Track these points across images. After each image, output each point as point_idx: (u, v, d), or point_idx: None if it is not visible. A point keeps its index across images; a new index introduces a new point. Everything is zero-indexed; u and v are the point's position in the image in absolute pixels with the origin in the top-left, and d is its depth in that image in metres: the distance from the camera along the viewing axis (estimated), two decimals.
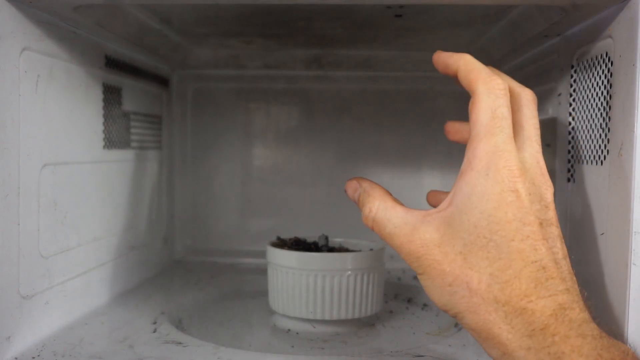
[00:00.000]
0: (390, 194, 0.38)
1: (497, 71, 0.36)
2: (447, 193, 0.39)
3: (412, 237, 0.34)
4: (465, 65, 0.35)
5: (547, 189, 0.34)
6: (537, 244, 0.32)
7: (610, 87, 0.40)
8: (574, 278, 0.33)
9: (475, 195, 0.32)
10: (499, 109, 0.33)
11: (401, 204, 0.37)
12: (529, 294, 0.31)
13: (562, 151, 0.50)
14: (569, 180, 0.48)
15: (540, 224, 0.32)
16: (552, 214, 0.33)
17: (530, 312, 0.30)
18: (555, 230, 0.33)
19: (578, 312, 0.31)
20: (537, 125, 0.35)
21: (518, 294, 0.31)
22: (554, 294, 0.31)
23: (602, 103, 0.42)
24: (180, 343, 0.47)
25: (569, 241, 0.46)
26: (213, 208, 0.85)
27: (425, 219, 0.34)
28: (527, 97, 0.36)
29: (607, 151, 0.40)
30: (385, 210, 0.36)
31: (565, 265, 0.33)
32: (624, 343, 0.36)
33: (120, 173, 0.64)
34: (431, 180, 0.82)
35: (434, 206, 0.41)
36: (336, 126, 0.83)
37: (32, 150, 0.45)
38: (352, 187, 0.39)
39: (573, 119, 0.48)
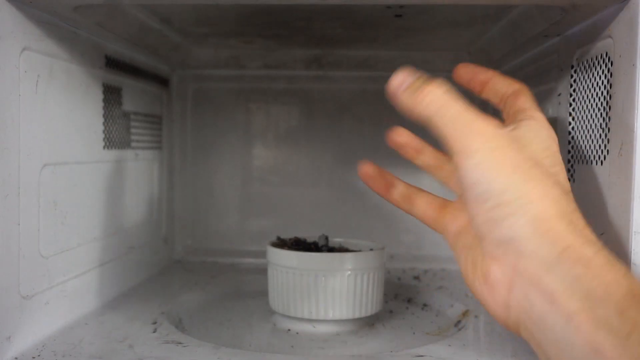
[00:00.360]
0: None
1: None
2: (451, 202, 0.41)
3: (484, 120, 0.33)
4: (502, 77, 0.41)
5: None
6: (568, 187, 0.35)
7: (610, 87, 0.40)
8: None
9: (540, 135, 0.35)
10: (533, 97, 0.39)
11: None
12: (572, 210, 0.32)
13: (562, 151, 0.50)
14: (568, 180, 0.48)
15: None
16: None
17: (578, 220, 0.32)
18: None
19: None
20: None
21: (572, 209, 0.32)
22: (575, 210, 0.33)
23: (602, 103, 0.42)
24: (180, 343, 0.47)
25: None
26: (213, 208, 0.85)
27: (490, 119, 0.34)
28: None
29: (607, 151, 0.40)
30: (452, 94, 0.35)
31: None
32: None
33: (120, 173, 0.64)
34: (431, 180, 0.82)
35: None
36: (336, 126, 0.83)
37: (32, 150, 0.45)
38: (405, 73, 0.36)
39: (573, 119, 0.48)
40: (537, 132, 0.36)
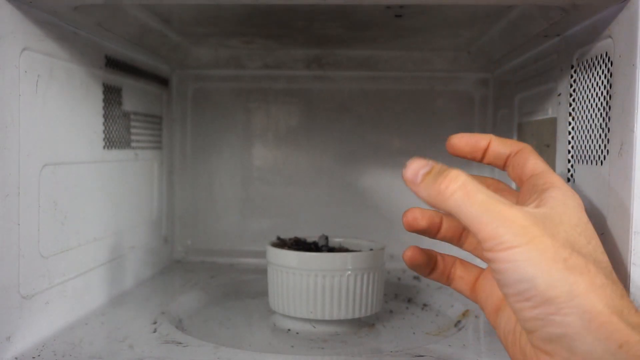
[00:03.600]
0: None
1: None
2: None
3: (512, 208, 0.31)
4: (497, 138, 0.38)
5: None
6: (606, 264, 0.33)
7: (610, 87, 0.40)
8: None
9: (570, 205, 0.33)
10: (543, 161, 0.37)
11: None
12: (622, 298, 0.30)
13: (562, 151, 0.50)
14: (569, 180, 0.48)
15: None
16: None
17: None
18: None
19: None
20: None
21: (617, 295, 0.30)
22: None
23: (601, 103, 0.42)
24: (180, 343, 0.47)
25: None
26: (213, 208, 0.85)
27: (517, 204, 0.32)
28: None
29: (607, 151, 0.40)
30: (474, 182, 0.32)
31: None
32: None
33: (120, 173, 0.64)
34: None
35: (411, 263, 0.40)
36: (336, 126, 0.83)
37: (32, 150, 0.45)
38: (419, 162, 0.34)
39: (573, 119, 0.48)
40: (565, 205, 0.33)
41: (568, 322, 0.29)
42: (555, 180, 0.35)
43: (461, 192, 0.31)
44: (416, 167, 0.34)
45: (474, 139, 0.38)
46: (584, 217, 0.33)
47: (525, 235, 0.30)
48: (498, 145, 0.38)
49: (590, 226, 0.33)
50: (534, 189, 0.35)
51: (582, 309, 0.29)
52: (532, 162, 0.36)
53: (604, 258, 0.33)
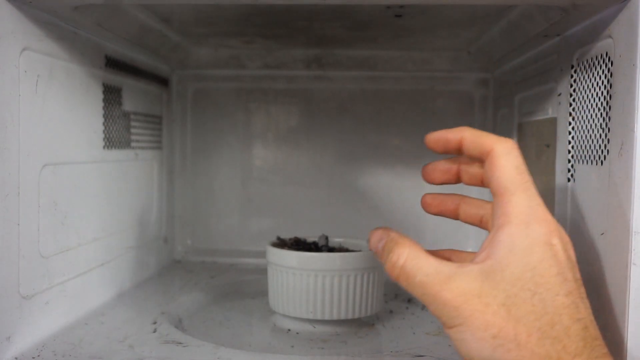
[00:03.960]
0: (419, 244, 0.35)
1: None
2: (467, 253, 0.39)
3: (448, 286, 0.31)
4: (471, 135, 0.35)
5: (570, 245, 0.33)
6: (578, 301, 0.31)
7: (610, 87, 0.40)
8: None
9: (517, 248, 0.31)
10: (522, 165, 0.33)
11: (431, 254, 0.34)
12: (579, 352, 0.29)
13: (562, 151, 0.50)
14: (569, 180, 0.48)
15: (576, 280, 0.32)
16: (578, 272, 0.32)
17: None
18: (583, 290, 0.32)
19: None
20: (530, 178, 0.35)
21: (570, 351, 0.29)
22: (601, 357, 0.30)
23: (602, 103, 0.42)
24: (180, 343, 0.47)
25: None
26: (213, 208, 0.85)
27: (460, 269, 0.32)
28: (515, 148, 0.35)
29: (607, 151, 0.40)
30: (415, 259, 0.33)
31: (596, 327, 0.32)
32: (623, 343, 0.36)
33: (120, 173, 0.64)
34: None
35: (434, 212, 0.40)
36: (336, 126, 0.83)
37: (32, 150, 0.45)
38: (377, 235, 0.37)
39: (573, 119, 0.48)
40: (511, 252, 0.31)
41: None
42: (510, 211, 0.32)
43: (403, 274, 0.33)
44: (375, 241, 0.37)
45: (443, 137, 0.36)
46: (534, 260, 0.31)
47: (458, 317, 0.31)
48: (470, 145, 0.35)
49: (544, 265, 0.31)
50: (493, 222, 0.33)
51: None
52: (496, 177, 0.33)
53: (563, 300, 0.31)
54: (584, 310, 0.31)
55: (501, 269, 0.31)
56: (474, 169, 0.37)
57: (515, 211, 0.32)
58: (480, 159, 0.35)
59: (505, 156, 0.33)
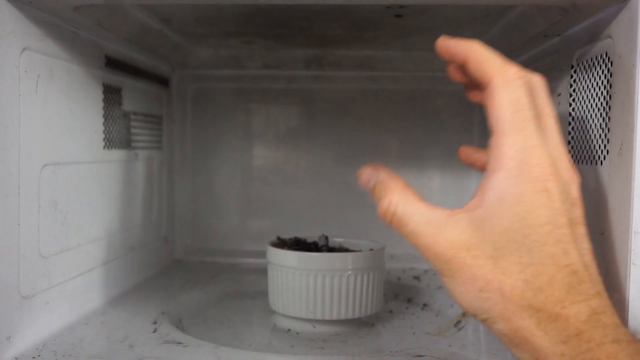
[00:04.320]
0: (410, 186, 0.35)
1: (501, 56, 0.33)
2: (482, 151, 0.38)
3: (438, 238, 0.31)
4: (476, 56, 0.32)
5: (573, 183, 0.32)
6: (568, 247, 0.30)
7: (610, 87, 0.40)
8: (600, 278, 0.32)
9: (507, 198, 0.30)
10: (520, 101, 0.31)
11: (422, 198, 0.34)
12: (562, 299, 0.29)
13: None
14: None
15: (570, 224, 0.31)
16: (578, 211, 0.32)
17: (564, 318, 0.29)
18: (581, 229, 0.31)
19: (610, 316, 0.30)
20: (553, 112, 0.32)
21: (552, 300, 0.29)
22: (587, 298, 0.30)
23: (601, 103, 0.42)
24: (180, 343, 0.47)
25: None
26: (213, 208, 0.85)
27: (450, 219, 0.32)
28: (538, 83, 0.32)
29: (607, 151, 0.40)
30: (406, 206, 0.33)
31: (593, 266, 0.31)
32: None
33: (121, 173, 0.64)
34: (431, 180, 0.82)
35: (466, 162, 0.39)
36: (336, 126, 0.83)
37: (32, 150, 0.45)
38: (366, 174, 0.36)
39: (573, 119, 0.48)
40: (500, 201, 0.30)
41: (500, 335, 0.31)
42: (501, 155, 0.31)
43: (395, 221, 0.33)
44: (364, 180, 0.36)
45: (452, 48, 0.34)
46: (522, 210, 0.30)
47: (448, 269, 0.31)
48: (473, 70, 0.33)
49: (533, 215, 0.30)
50: (487, 166, 0.32)
51: (502, 333, 0.31)
52: (491, 116, 0.31)
53: (550, 250, 0.30)
54: (575, 254, 0.30)
55: (490, 219, 0.31)
56: None
57: (506, 155, 0.31)
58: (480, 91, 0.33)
59: (501, 90, 0.31)
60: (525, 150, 0.30)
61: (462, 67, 0.34)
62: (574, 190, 0.32)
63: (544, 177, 0.30)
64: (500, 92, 0.31)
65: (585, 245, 0.31)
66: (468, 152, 0.40)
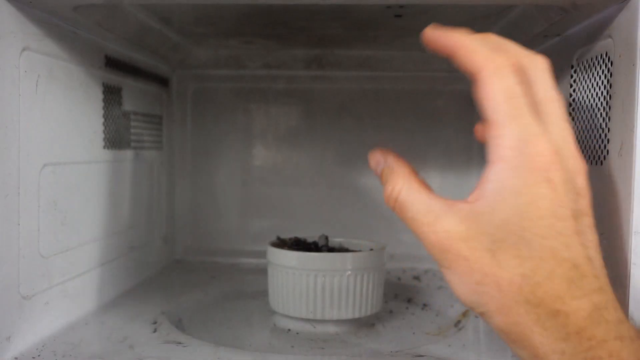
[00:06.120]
0: (416, 173, 0.35)
1: (501, 42, 0.32)
2: None
3: (435, 227, 0.31)
4: (464, 50, 0.31)
5: (579, 172, 0.31)
6: (570, 240, 0.29)
7: (610, 87, 0.40)
8: (605, 271, 0.30)
9: (506, 189, 0.29)
10: (513, 88, 0.30)
11: (427, 186, 0.34)
12: (562, 295, 0.28)
13: None
14: None
15: (574, 216, 0.29)
16: (584, 201, 0.30)
17: (564, 314, 0.28)
18: (587, 220, 0.30)
19: (613, 312, 0.29)
20: (558, 97, 0.31)
21: (551, 295, 0.28)
22: (588, 293, 0.29)
23: (601, 103, 0.42)
24: (180, 343, 0.47)
25: None
26: (213, 208, 0.85)
27: (450, 209, 0.31)
28: (538, 66, 0.31)
29: (607, 151, 0.40)
30: (408, 192, 0.33)
31: (597, 259, 0.30)
32: None
33: (120, 173, 0.64)
34: (431, 180, 0.82)
35: (481, 140, 0.36)
36: (336, 126, 0.83)
37: (32, 150, 0.45)
38: (375, 158, 0.36)
39: (573, 119, 0.48)
40: (499, 194, 0.30)
41: (498, 330, 0.31)
42: (499, 146, 0.30)
43: (397, 207, 0.34)
44: (373, 164, 0.37)
45: (438, 41, 0.33)
46: (522, 202, 0.29)
47: (444, 259, 0.31)
48: (461, 63, 0.32)
49: (533, 207, 0.29)
50: (488, 156, 0.31)
51: (499, 328, 0.30)
52: (484, 107, 0.30)
53: (550, 243, 0.29)
54: (577, 247, 0.29)
55: (489, 211, 0.30)
56: None
57: (504, 146, 0.29)
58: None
59: (491, 79, 0.30)
60: (524, 139, 0.29)
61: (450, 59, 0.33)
62: (580, 180, 0.31)
63: (545, 167, 0.29)
64: (490, 81, 0.30)
65: (591, 237, 0.30)
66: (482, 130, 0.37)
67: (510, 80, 0.30)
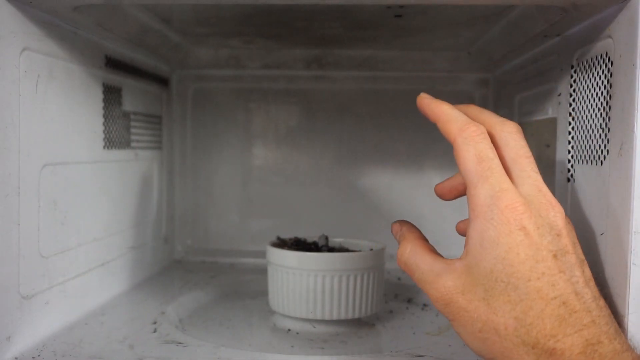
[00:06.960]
0: (425, 239, 0.39)
1: (477, 110, 0.37)
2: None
3: (436, 285, 0.34)
4: (443, 118, 0.36)
5: (556, 216, 0.33)
6: (555, 278, 0.31)
7: (610, 87, 0.40)
8: (601, 303, 0.32)
9: (485, 242, 0.32)
10: (481, 153, 0.33)
11: (433, 249, 0.37)
12: (554, 333, 0.30)
13: (562, 151, 0.50)
14: (569, 180, 0.48)
15: (555, 256, 0.32)
16: (565, 240, 0.33)
17: (559, 352, 0.30)
18: (571, 258, 0.32)
19: (607, 345, 0.30)
20: (529, 154, 0.35)
21: (544, 334, 0.30)
22: (580, 329, 0.30)
23: (602, 103, 0.42)
24: (180, 343, 0.47)
25: None
26: (213, 208, 0.85)
27: (449, 267, 0.35)
28: (509, 129, 0.35)
29: (607, 151, 0.40)
30: (415, 255, 0.37)
31: (589, 292, 0.32)
32: None
33: (120, 173, 0.64)
34: (431, 180, 0.82)
35: (463, 234, 0.41)
36: (336, 126, 0.83)
37: (32, 150, 0.45)
38: (395, 228, 0.41)
39: (573, 119, 0.48)
40: (481, 246, 0.33)
41: None
42: (474, 204, 0.33)
43: (406, 268, 0.37)
44: (394, 234, 0.41)
45: (426, 109, 0.38)
46: (501, 251, 0.32)
47: (448, 313, 0.34)
48: (442, 131, 0.36)
49: (512, 253, 0.32)
50: (469, 215, 0.34)
51: None
52: (462, 169, 0.34)
53: (535, 284, 0.31)
54: (563, 285, 0.31)
55: (476, 264, 0.33)
56: None
57: (479, 204, 0.33)
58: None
59: (464, 147, 0.34)
60: (494, 195, 0.32)
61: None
62: (559, 222, 0.33)
63: (517, 217, 0.32)
64: (463, 147, 0.34)
65: (577, 272, 0.32)
66: (442, 188, 0.41)
67: (481, 146, 0.34)
